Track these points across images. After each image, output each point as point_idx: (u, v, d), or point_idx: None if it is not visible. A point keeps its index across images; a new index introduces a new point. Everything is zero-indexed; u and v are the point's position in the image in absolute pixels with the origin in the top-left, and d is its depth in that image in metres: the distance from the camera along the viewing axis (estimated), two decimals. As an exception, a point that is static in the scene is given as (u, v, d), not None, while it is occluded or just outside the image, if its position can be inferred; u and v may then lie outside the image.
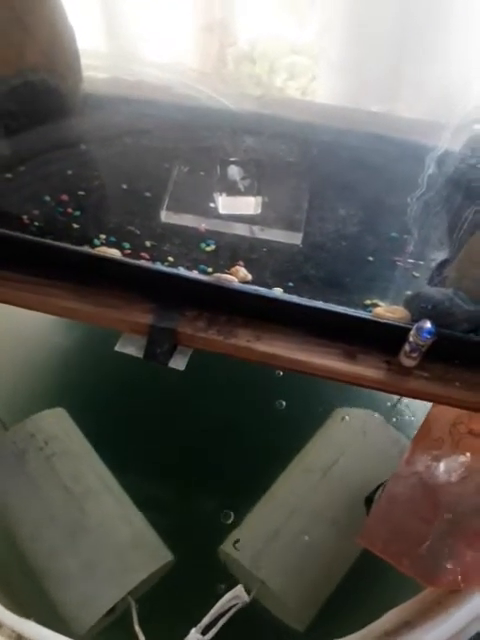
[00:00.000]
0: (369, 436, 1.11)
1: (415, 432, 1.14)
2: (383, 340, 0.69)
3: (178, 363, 0.74)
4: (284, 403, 1.23)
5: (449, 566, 0.65)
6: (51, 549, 0.99)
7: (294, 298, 0.70)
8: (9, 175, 0.82)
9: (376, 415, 1.14)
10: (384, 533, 0.70)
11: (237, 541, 1.02)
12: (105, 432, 1.14)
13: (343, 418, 1.14)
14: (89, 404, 1.19)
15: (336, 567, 1.02)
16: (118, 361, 0.75)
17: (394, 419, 1.18)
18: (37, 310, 0.76)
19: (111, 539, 0.99)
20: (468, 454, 0.75)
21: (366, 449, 1.10)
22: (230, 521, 1.11)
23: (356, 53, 0.96)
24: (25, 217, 0.78)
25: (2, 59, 0.74)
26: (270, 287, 0.73)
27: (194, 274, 0.73)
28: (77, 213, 0.79)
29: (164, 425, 1.20)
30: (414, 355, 0.68)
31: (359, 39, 0.94)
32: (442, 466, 0.74)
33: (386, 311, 0.70)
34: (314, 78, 1.04)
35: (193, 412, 1.21)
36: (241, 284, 0.72)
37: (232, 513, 1.11)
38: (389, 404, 1.20)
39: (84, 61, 0.84)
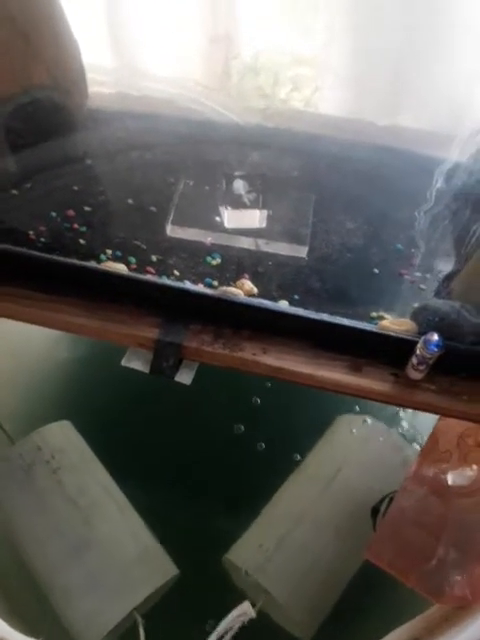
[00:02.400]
0: (372, 444, 1.10)
1: (420, 437, 1.15)
2: (390, 353, 0.69)
3: (184, 377, 0.74)
4: (288, 411, 1.22)
5: (458, 582, 0.64)
6: (56, 563, 0.98)
7: (300, 311, 0.70)
8: (15, 191, 0.83)
9: (379, 423, 1.13)
10: (391, 547, 0.69)
11: (241, 551, 1.02)
12: (111, 445, 1.14)
13: (346, 425, 1.14)
14: (95, 417, 1.19)
15: (340, 576, 1.01)
16: (124, 373, 0.75)
17: (399, 425, 1.17)
18: (44, 325, 0.76)
19: (116, 553, 0.98)
20: (476, 467, 0.75)
21: (369, 457, 1.09)
22: (235, 530, 1.10)
23: (360, 64, 0.96)
24: (31, 233, 0.78)
25: (8, 77, 0.75)
26: (276, 300, 0.73)
27: (200, 288, 0.74)
28: (83, 228, 0.79)
29: (170, 437, 1.19)
30: (421, 368, 0.67)
31: (363, 51, 0.95)
32: (450, 479, 0.73)
33: (393, 324, 0.70)
34: (318, 89, 1.04)
35: (198, 423, 1.20)
36: (247, 297, 0.73)
37: (237, 522, 1.11)
38: (396, 410, 1.20)
39: (90, 76, 0.84)
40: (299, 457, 1.13)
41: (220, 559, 1.04)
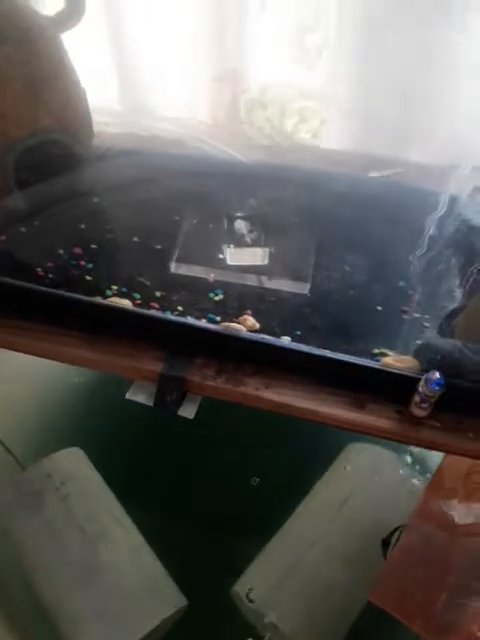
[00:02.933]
0: (380, 474, 1.09)
1: (430, 465, 1.13)
2: (393, 390, 0.69)
3: (187, 411, 0.74)
4: (297, 439, 1.22)
5: (464, 625, 0.63)
6: (64, 591, 0.99)
7: (302, 347, 0.71)
8: (24, 228, 0.86)
9: (388, 451, 1.12)
10: (396, 589, 0.68)
11: (248, 583, 1.01)
12: (120, 472, 1.15)
13: (355, 454, 1.13)
14: (105, 444, 1.20)
15: (350, 608, 1.00)
16: (134, 401, 0.76)
17: (408, 453, 1.16)
18: (51, 359, 0.78)
19: (124, 583, 0.98)
20: (483, 505, 0.73)
21: (378, 487, 1.08)
22: (245, 560, 1.09)
23: (365, 98, 0.97)
24: (39, 269, 0.80)
25: (18, 123, 0.78)
26: (278, 336, 0.73)
27: (203, 323, 0.74)
28: (90, 265, 0.81)
29: (179, 465, 1.20)
30: (424, 406, 0.67)
31: (368, 85, 0.96)
32: (456, 517, 0.72)
33: (395, 360, 0.70)
34: (324, 121, 1.05)
35: (207, 452, 1.21)
36: (249, 333, 0.73)
37: (247, 551, 1.10)
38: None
39: (98, 117, 0.87)
40: (308, 486, 1.12)
41: (229, 589, 1.03)
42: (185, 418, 0.74)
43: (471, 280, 0.68)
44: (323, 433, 1.18)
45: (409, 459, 1.14)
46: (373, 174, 0.87)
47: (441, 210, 0.77)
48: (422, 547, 0.70)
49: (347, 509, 1.03)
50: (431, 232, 0.77)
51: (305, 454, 1.19)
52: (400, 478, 1.07)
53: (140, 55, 1.01)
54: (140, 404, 0.77)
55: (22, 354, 0.80)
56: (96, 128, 0.89)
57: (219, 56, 1.01)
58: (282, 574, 0.98)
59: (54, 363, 0.80)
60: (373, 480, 1.07)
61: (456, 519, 0.72)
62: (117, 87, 1.05)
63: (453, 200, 0.76)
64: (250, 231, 0.78)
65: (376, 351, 0.72)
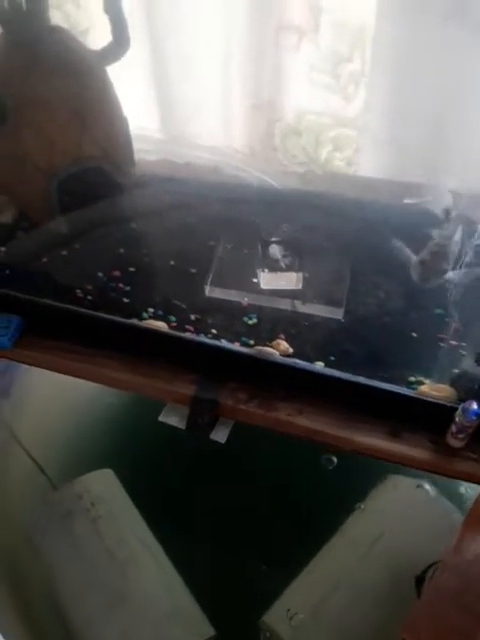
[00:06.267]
0: (418, 508, 1.05)
1: (465, 501, 1.09)
2: (429, 419, 0.67)
3: (219, 435, 0.74)
4: (334, 466, 1.19)
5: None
6: (91, 615, 0.98)
7: (336, 373, 0.70)
8: (65, 252, 0.89)
9: (427, 485, 1.09)
10: (429, 628, 0.65)
11: (275, 617, 0.98)
12: (151, 495, 1.14)
13: (391, 487, 1.10)
14: (136, 467, 1.20)
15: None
16: (168, 425, 0.76)
17: (444, 486, 1.11)
18: (88, 379, 0.79)
19: (151, 609, 0.97)
20: (525, 542, 0.70)
21: (415, 523, 1.04)
22: (275, 592, 1.07)
23: (399, 127, 0.98)
24: (79, 291, 0.83)
25: (63, 151, 0.82)
26: (312, 361, 0.73)
27: (236, 347, 0.75)
28: (127, 288, 0.83)
29: (210, 491, 1.18)
30: (461, 436, 0.65)
31: (402, 114, 0.96)
32: (496, 555, 0.69)
33: (431, 389, 0.69)
34: (358, 150, 1.06)
35: (241, 479, 1.19)
36: (282, 357, 0.73)
37: (277, 583, 1.08)
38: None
39: (137, 145, 0.90)
40: (344, 514, 1.09)
41: (257, 621, 1.00)
42: (217, 443, 0.74)
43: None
44: (362, 463, 1.16)
45: (445, 492, 1.10)
46: (408, 201, 0.87)
47: (478, 238, 0.76)
48: (457, 585, 0.67)
49: (382, 544, 1.00)
50: (468, 259, 0.76)
51: (342, 484, 1.16)
52: (437, 512, 1.03)
53: (179, 86, 1.05)
54: (172, 427, 0.77)
55: (56, 373, 0.82)
56: (136, 156, 0.92)
57: (255, 85, 1.04)
58: (313, 606, 0.95)
59: (89, 384, 0.81)
60: (410, 515, 1.03)
61: (496, 557, 0.69)
62: (156, 116, 1.09)
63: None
64: (284, 256, 0.79)
65: (412, 379, 0.71)
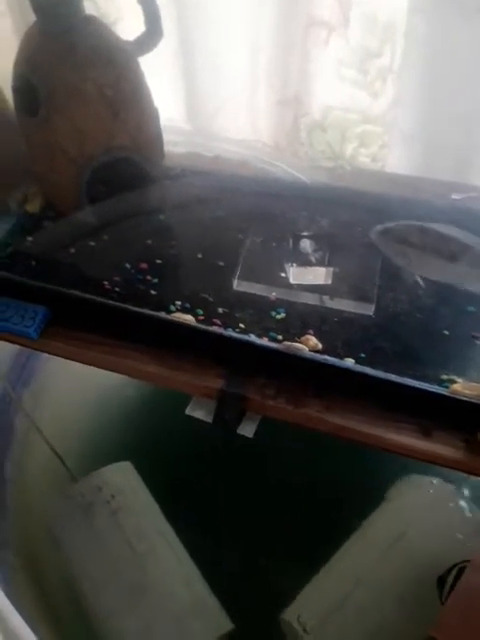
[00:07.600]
0: (440, 509, 1.04)
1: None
2: (461, 418, 0.67)
3: (247, 430, 0.74)
4: (357, 465, 1.18)
5: None
6: (111, 607, 0.98)
7: (366, 370, 0.69)
8: (93, 242, 0.88)
9: (449, 485, 1.08)
10: (461, 629, 0.64)
11: (295, 613, 0.98)
12: (170, 489, 1.14)
13: (413, 487, 1.09)
14: (156, 460, 1.20)
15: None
16: (188, 418, 0.76)
17: (470, 488, 1.10)
18: (113, 371, 0.79)
19: (170, 603, 0.97)
20: None
21: (436, 523, 1.03)
22: (295, 587, 1.06)
23: (428, 122, 0.97)
24: (106, 282, 0.82)
25: (95, 141, 0.81)
26: (341, 357, 0.72)
27: (264, 341, 0.74)
28: (155, 280, 0.82)
29: (231, 485, 1.18)
30: (494, 436, 0.64)
31: (431, 110, 0.95)
32: (526, 557, 0.68)
33: (464, 388, 0.68)
34: (385, 146, 1.05)
35: (261, 474, 1.19)
36: (311, 353, 0.72)
37: (298, 579, 1.07)
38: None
39: (166, 137, 0.90)
40: (365, 513, 1.09)
41: (276, 616, 1.00)
42: (242, 437, 0.74)
43: None
44: (384, 461, 1.15)
45: (468, 492, 1.09)
46: (455, 197, 0.86)
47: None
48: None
49: (403, 543, 0.99)
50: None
51: (364, 482, 1.16)
52: (460, 512, 1.02)
53: (208, 78, 1.05)
54: (195, 421, 0.77)
55: (79, 367, 0.82)
56: (165, 148, 0.92)
57: (283, 80, 1.03)
58: (334, 604, 0.95)
59: (110, 376, 0.81)
60: (432, 515, 1.02)
61: (526, 558, 0.68)
62: (183, 109, 1.09)
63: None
64: (314, 250, 0.78)
65: (444, 377, 0.70)
